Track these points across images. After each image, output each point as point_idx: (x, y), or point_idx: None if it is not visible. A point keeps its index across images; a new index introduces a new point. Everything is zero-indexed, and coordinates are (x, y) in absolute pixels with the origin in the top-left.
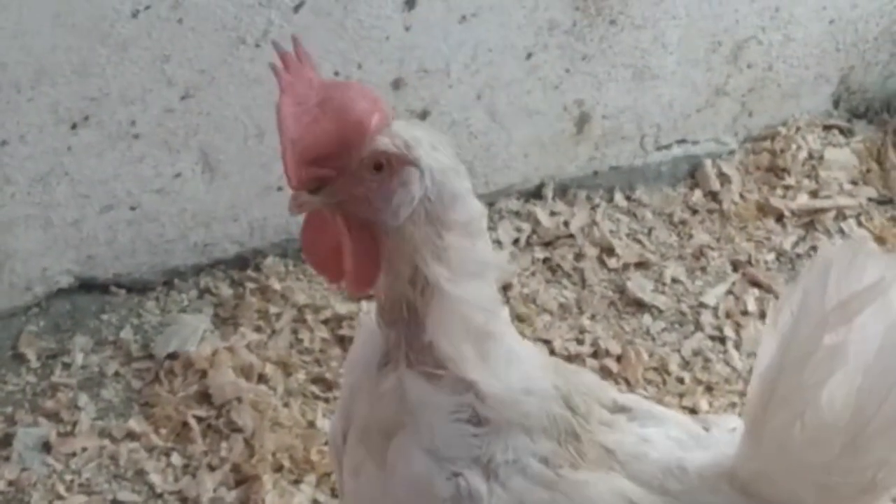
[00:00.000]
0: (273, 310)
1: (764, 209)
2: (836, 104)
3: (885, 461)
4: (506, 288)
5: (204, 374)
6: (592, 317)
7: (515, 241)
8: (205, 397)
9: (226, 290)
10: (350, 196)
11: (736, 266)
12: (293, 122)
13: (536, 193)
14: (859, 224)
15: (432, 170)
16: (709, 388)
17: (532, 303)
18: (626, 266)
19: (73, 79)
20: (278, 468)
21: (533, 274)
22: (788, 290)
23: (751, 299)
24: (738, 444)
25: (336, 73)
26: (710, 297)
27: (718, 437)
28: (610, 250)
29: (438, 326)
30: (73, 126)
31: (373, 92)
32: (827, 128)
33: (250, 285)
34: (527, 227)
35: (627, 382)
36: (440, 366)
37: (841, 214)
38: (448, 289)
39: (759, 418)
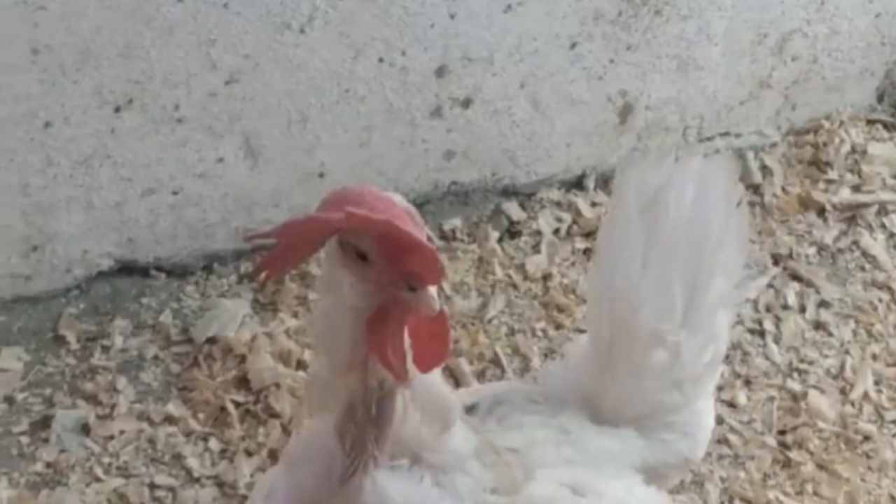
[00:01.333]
0: (312, 296)
1: (806, 203)
2: (880, 98)
3: None
4: (545, 278)
5: (243, 359)
6: None
7: (556, 231)
8: (243, 382)
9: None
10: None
11: (777, 259)
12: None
13: (578, 184)
14: None
15: None
16: (747, 382)
17: (572, 293)
18: None
19: (118, 61)
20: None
21: (573, 264)
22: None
23: (791, 293)
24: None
25: (381, 60)
26: (750, 291)
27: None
28: None
29: (408, 415)
30: (117, 109)
31: (356, 188)
32: (871, 122)
33: (290, 271)
34: (567, 217)
35: None
36: (397, 456)
37: (883, 209)
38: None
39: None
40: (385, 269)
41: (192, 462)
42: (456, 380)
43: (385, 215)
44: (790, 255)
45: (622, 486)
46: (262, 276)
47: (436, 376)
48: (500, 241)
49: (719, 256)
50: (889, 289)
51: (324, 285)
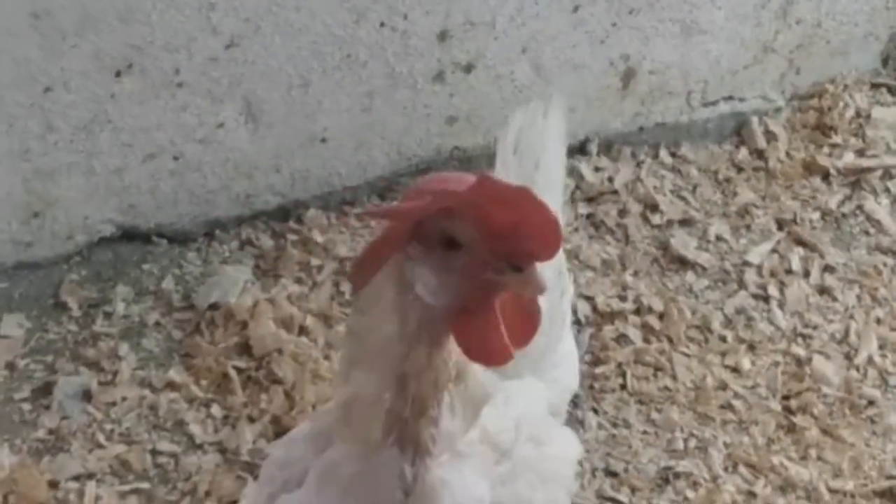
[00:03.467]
0: (314, 262)
1: (810, 167)
2: (884, 62)
3: None
4: None
5: (244, 325)
6: (635, 273)
7: None
8: (245, 349)
9: (267, 242)
10: None
11: (781, 224)
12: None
13: (581, 149)
14: None
15: None
16: (751, 347)
17: (575, 258)
18: (669, 223)
19: (118, 26)
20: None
21: (576, 230)
22: None
23: (795, 258)
24: None
25: (382, 24)
26: (755, 256)
27: None
28: (654, 207)
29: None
30: (117, 74)
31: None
32: (875, 86)
33: (292, 237)
34: (570, 182)
35: (670, 340)
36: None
37: (887, 174)
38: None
39: None
40: (486, 251)
41: (195, 428)
42: None
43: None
44: (794, 220)
45: (556, 431)
46: (357, 275)
47: (478, 368)
48: None
49: (559, 187)
50: (893, 253)
51: (369, 302)
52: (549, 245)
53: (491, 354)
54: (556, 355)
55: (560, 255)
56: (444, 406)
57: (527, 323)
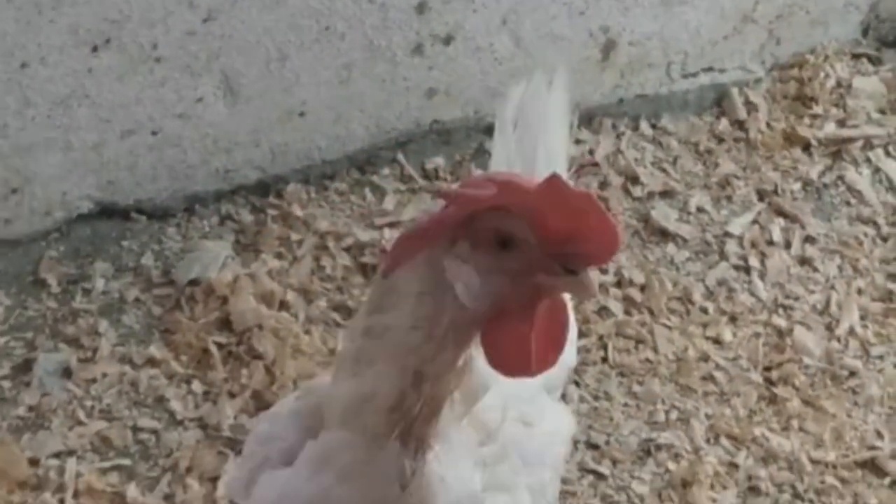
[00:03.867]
0: (295, 237)
1: (791, 138)
2: (864, 32)
3: None
4: None
5: (225, 300)
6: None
7: None
8: (226, 324)
9: (247, 217)
10: None
11: (762, 195)
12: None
13: None
14: (887, 153)
15: None
16: (733, 319)
17: None
18: (650, 195)
19: (95, 0)
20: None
21: None
22: None
23: (776, 229)
24: None
25: None
26: (736, 227)
27: None
28: (635, 179)
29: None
30: (95, 48)
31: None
32: (855, 56)
33: (272, 212)
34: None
35: (651, 312)
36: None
37: (868, 144)
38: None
39: None
40: (540, 253)
41: (175, 404)
42: None
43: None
44: (775, 191)
45: (548, 409)
46: (392, 260)
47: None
48: None
49: (563, 160)
50: (874, 223)
51: (392, 300)
52: (608, 251)
53: (516, 365)
54: None
55: None
56: (448, 401)
57: (553, 343)
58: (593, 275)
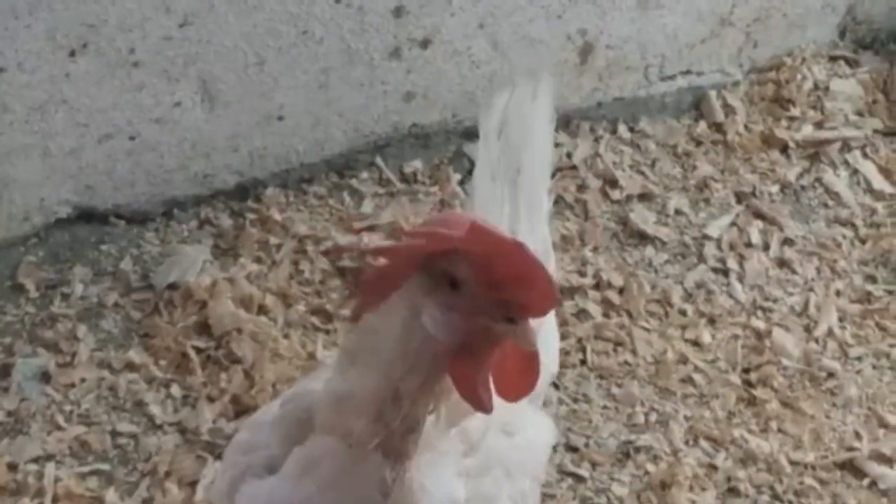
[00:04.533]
0: (273, 241)
1: (768, 140)
2: (842, 35)
3: None
4: None
5: (203, 305)
6: (595, 248)
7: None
8: (204, 328)
9: (226, 221)
10: None
11: (740, 198)
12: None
13: None
14: (864, 155)
15: None
16: (711, 321)
17: None
18: (629, 198)
19: (71, 4)
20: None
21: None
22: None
23: (755, 231)
24: None
25: (337, 1)
26: (714, 229)
27: None
28: (613, 182)
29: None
30: (72, 53)
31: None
32: (833, 58)
33: (250, 216)
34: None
35: (630, 314)
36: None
37: (846, 146)
38: None
39: None
40: (482, 297)
41: (154, 409)
42: None
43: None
44: (753, 193)
45: (529, 418)
46: (360, 302)
47: None
48: (461, 183)
49: (547, 170)
50: (852, 225)
51: (379, 318)
52: (543, 303)
53: (476, 401)
54: (539, 335)
55: (545, 233)
56: (429, 415)
57: (524, 378)
58: (531, 327)
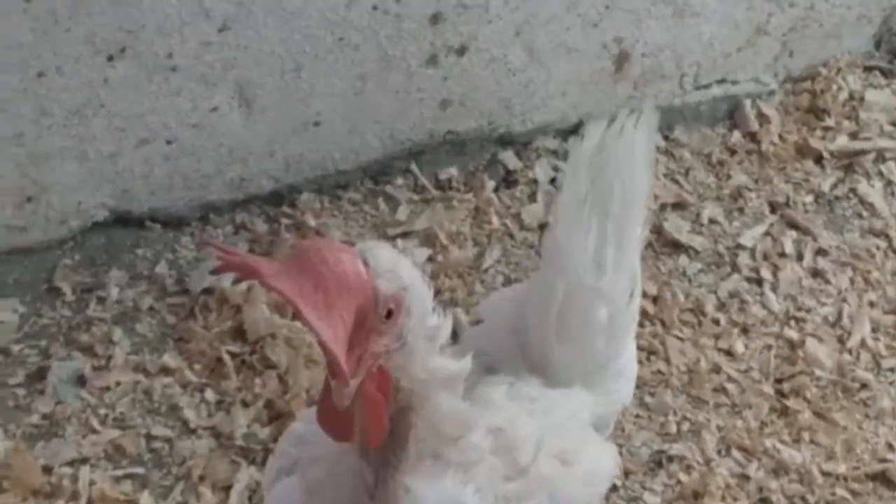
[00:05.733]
0: None
1: (803, 150)
2: (877, 45)
3: None
4: (542, 227)
5: (238, 309)
6: None
7: (552, 181)
8: (239, 333)
9: (261, 226)
10: (374, 355)
11: (774, 207)
12: (319, 321)
13: (574, 132)
14: None
15: (413, 283)
16: (744, 331)
17: None
18: (663, 206)
19: (110, 9)
20: (312, 405)
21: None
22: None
23: (788, 241)
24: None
25: (375, 7)
26: (748, 239)
27: None
28: None
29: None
30: (110, 58)
31: (331, 242)
32: (868, 69)
33: (285, 221)
34: (565, 166)
35: (663, 324)
36: (421, 457)
37: (881, 157)
38: (436, 390)
39: None
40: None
41: (189, 413)
42: (453, 330)
43: (311, 297)
44: (787, 203)
45: (591, 446)
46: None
47: (450, 398)
48: (496, 190)
49: (642, 204)
50: (886, 236)
51: None
52: (334, 373)
53: (331, 431)
54: (614, 367)
55: (635, 265)
56: (411, 426)
57: (369, 425)
58: (345, 392)
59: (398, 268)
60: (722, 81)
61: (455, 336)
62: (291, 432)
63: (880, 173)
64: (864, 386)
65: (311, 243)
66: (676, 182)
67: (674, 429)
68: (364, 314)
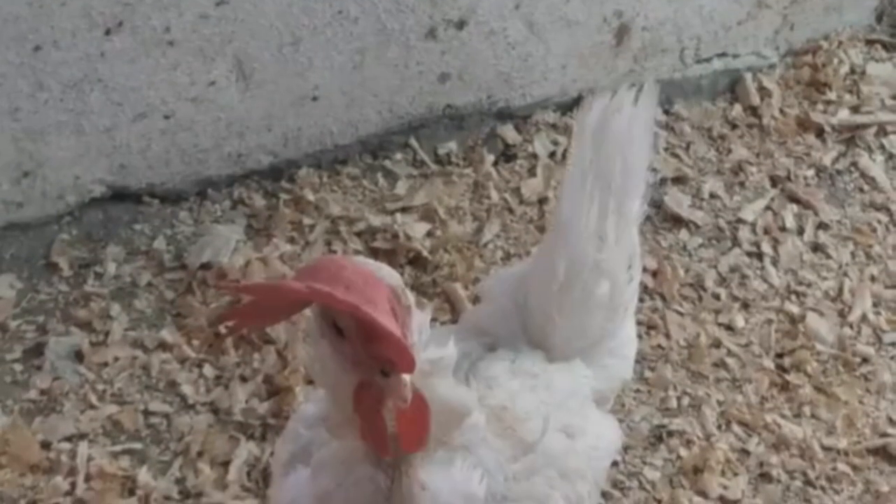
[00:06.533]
0: (306, 221)
1: (804, 124)
2: (878, 18)
3: None
4: (541, 202)
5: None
6: None
7: (552, 155)
8: None
9: (259, 201)
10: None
11: (775, 181)
12: (379, 315)
13: (573, 106)
14: None
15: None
16: (745, 305)
17: None
18: (663, 181)
19: None
20: (310, 380)
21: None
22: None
23: (789, 215)
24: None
25: None
26: (749, 213)
27: None
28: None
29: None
30: (107, 32)
31: (341, 260)
32: (869, 42)
33: (284, 196)
34: (564, 140)
35: (663, 298)
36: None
37: (882, 130)
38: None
39: None
40: (359, 350)
41: (187, 388)
42: (451, 305)
43: (354, 297)
44: (788, 177)
45: (593, 420)
46: (228, 325)
47: (444, 384)
48: (495, 164)
49: (642, 178)
50: (887, 210)
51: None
52: (402, 361)
53: (373, 440)
54: (614, 342)
55: (634, 239)
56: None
57: (415, 435)
58: (406, 380)
59: (381, 269)
60: (723, 55)
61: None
62: (303, 414)
63: (882, 147)
64: (864, 360)
65: (318, 260)
66: (677, 156)
67: (674, 403)
68: (393, 308)
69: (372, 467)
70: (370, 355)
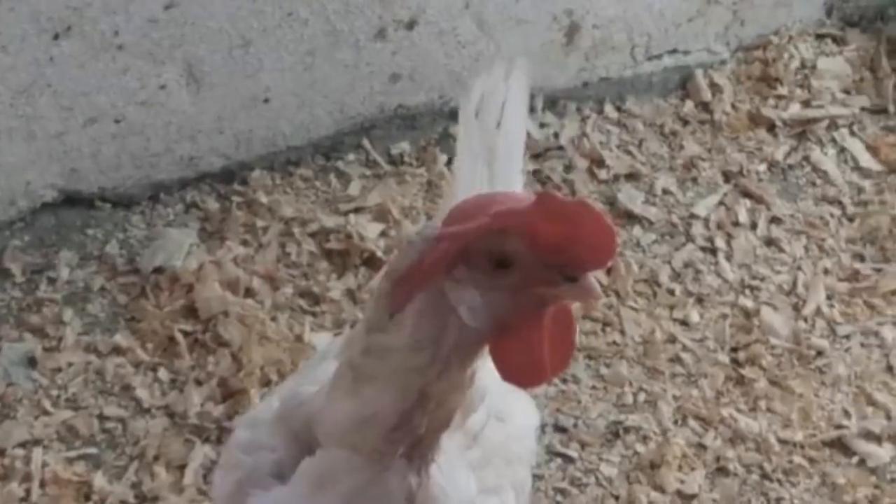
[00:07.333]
0: (260, 223)
1: (756, 119)
2: (828, 12)
3: None
4: None
5: (190, 288)
6: None
7: None
8: (191, 312)
9: (212, 204)
10: None
11: (727, 177)
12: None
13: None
14: (852, 133)
15: None
16: (699, 300)
17: None
18: (616, 177)
19: None
20: (266, 382)
21: (524, 186)
22: None
23: (742, 210)
24: None
25: None
26: (701, 209)
27: None
28: (600, 162)
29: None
30: (56, 36)
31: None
32: (820, 36)
33: (237, 199)
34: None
35: (617, 294)
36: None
37: (833, 124)
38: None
39: None
40: (537, 265)
41: (142, 393)
42: None
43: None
44: (741, 172)
45: (517, 403)
46: (395, 297)
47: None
48: (448, 164)
49: (521, 155)
50: (840, 203)
51: (398, 323)
52: (605, 254)
53: (529, 375)
54: None
55: None
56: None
57: (562, 348)
58: (594, 278)
59: None
60: (673, 52)
61: None
62: (238, 441)
63: (833, 141)
64: (819, 353)
65: (463, 202)
66: (629, 153)
67: (630, 400)
68: None
69: (398, 476)
70: (554, 265)
